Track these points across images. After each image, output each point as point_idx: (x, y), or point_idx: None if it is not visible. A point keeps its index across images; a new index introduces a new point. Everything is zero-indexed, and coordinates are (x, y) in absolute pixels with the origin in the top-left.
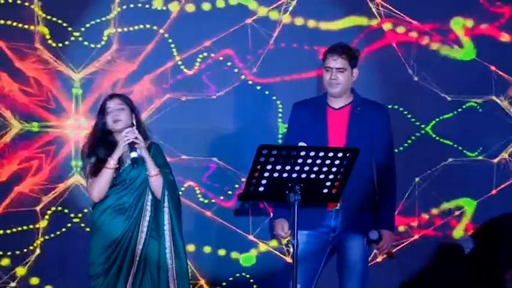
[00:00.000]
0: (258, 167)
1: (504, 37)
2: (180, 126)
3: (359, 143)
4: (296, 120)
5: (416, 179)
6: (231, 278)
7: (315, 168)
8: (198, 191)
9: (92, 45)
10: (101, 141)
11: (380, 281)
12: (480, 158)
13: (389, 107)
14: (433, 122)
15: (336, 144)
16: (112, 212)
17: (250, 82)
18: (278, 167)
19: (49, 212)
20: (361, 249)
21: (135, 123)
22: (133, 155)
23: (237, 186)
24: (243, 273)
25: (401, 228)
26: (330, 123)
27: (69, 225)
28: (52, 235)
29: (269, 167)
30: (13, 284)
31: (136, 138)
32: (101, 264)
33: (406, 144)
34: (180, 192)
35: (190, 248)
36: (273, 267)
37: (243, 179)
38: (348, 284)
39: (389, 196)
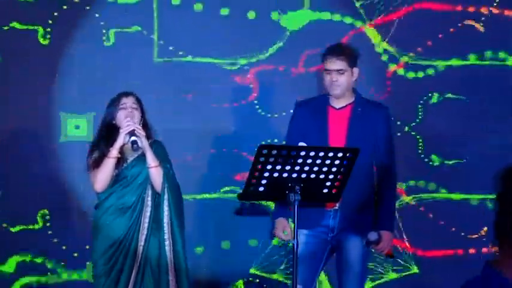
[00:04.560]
0: (258, 167)
1: None
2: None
3: (359, 143)
4: (297, 119)
5: None
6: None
7: (315, 168)
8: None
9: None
10: (105, 138)
11: None
12: None
13: None
14: None
15: (336, 144)
16: (114, 211)
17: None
18: (278, 167)
19: None
20: (359, 249)
21: (141, 123)
22: (132, 138)
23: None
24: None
25: None
26: (331, 123)
27: None
28: None
29: (269, 167)
30: None
31: (137, 127)
32: (103, 265)
33: None
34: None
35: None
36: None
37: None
38: (347, 285)
39: (389, 196)
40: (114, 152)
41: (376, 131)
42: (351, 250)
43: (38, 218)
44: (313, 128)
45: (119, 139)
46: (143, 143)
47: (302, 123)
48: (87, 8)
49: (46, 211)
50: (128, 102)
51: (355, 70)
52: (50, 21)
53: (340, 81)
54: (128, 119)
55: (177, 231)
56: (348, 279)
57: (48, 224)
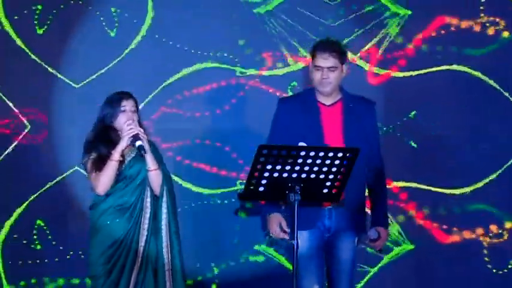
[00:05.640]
0: (258, 167)
1: None
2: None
3: (355, 140)
4: (284, 116)
5: None
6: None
7: (315, 168)
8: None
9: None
10: (102, 138)
11: None
12: None
13: None
14: None
15: (332, 142)
16: (113, 212)
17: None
18: (278, 167)
19: None
20: (353, 249)
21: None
22: (139, 142)
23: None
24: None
25: None
26: (324, 120)
27: None
28: None
29: (269, 167)
30: None
31: (140, 131)
32: (102, 265)
33: None
34: None
35: None
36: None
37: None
38: (338, 284)
39: (383, 193)
40: (116, 155)
41: (368, 127)
42: (344, 250)
43: (36, 218)
44: (305, 125)
45: (122, 142)
46: (146, 146)
47: (290, 120)
48: (80, 2)
49: (45, 211)
50: (128, 105)
51: (345, 67)
52: (50, 17)
53: (331, 78)
54: (129, 122)
55: (174, 232)
56: (341, 279)
57: (46, 225)
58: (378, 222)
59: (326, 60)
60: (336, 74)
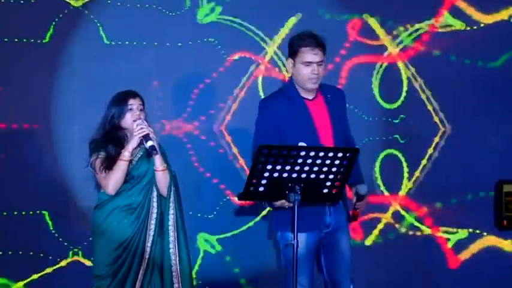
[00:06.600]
0: (258, 167)
1: None
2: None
3: (340, 131)
4: (273, 116)
5: None
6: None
7: (315, 168)
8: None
9: None
10: (110, 138)
11: None
12: None
13: None
14: None
15: (324, 136)
16: (120, 212)
17: None
18: (278, 167)
19: None
20: (349, 238)
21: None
22: (150, 143)
23: None
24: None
25: None
26: (314, 116)
27: None
28: None
29: (269, 167)
30: None
31: (150, 131)
32: (109, 265)
33: None
34: None
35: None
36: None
37: None
38: (340, 274)
39: (358, 165)
40: (127, 154)
41: (343, 114)
42: (345, 243)
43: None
44: (297, 123)
45: (133, 142)
46: (157, 146)
47: (280, 119)
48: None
49: (46, 211)
50: (135, 104)
51: (324, 59)
52: (52, 23)
53: (320, 73)
54: (139, 122)
55: (182, 234)
56: (341, 268)
57: (49, 224)
58: (360, 181)
59: (316, 55)
60: (322, 68)
